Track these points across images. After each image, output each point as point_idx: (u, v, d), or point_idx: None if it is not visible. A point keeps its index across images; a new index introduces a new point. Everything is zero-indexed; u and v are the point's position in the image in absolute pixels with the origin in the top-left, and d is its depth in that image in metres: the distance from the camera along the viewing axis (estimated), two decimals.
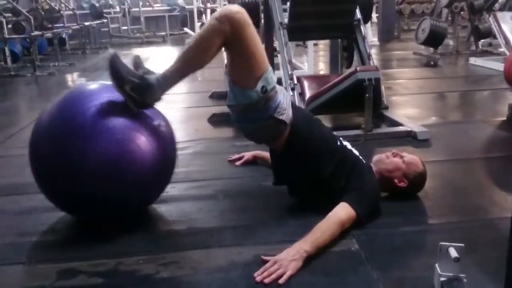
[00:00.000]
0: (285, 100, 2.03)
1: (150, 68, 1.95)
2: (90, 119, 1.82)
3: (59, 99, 1.96)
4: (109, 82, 1.89)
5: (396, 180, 2.07)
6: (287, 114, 2.00)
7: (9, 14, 7.41)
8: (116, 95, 1.88)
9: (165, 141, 2.00)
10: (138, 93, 1.85)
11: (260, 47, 1.94)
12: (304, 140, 2.05)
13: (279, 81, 4.43)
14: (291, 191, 2.17)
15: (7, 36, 6.74)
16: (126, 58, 1.96)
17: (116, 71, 1.84)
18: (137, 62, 1.96)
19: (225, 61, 3.93)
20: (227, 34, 1.83)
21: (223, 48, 1.90)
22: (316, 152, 2.04)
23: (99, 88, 2.00)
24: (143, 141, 1.87)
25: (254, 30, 1.90)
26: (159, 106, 1.99)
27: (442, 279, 1.42)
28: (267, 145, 2.19)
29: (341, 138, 2.19)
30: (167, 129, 2.04)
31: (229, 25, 1.82)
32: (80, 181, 1.80)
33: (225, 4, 8.68)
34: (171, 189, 2.38)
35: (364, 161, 2.13)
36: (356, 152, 2.16)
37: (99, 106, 1.86)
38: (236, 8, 1.87)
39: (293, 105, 2.17)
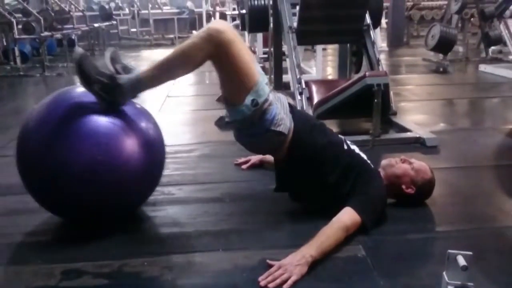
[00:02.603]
0: (282, 110, 2.02)
1: (128, 64, 1.96)
2: (77, 121, 1.83)
3: (47, 100, 1.96)
4: None
5: (404, 186, 2.05)
6: (284, 125, 1.99)
7: (20, 15, 7.47)
8: None
9: (152, 144, 2.00)
10: (108, 93, 1.85)
11: (247, 61, 1.91)
12: (307, 148, 2.03)
13: (287, 85, 4.45)
14: (294, 198, 2.16)
15: (17, 37, 6.79)
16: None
17: (84, 71, 1.85)
18: (114, 56, 1.96)
19: None
20: (211, 53, 1.84)
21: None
22: (321, 158, 2.03)
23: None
24: (130, 143, 1.87)
25: (240, 45, 1.88)
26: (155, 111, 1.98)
27: (450, 287, 1.40)
28: (272, 155, 2.18)
29: (348, 142, 2.17)
30: (155, 132, 2.04)
31: (214, 45, 1.82)
32: (65, 183, 1.81)
33: (234, 8, 8.70)
34: (177, 191, 2.39)
35: (372, 166, 2.11)
36: (364, 156, 2.14)
37: (86, 108, 1.87)
38: (222, 26, 1.86)
39: (294, 111, 2.15)
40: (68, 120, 1.83)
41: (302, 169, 2.04)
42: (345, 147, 2.12)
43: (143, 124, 1.98)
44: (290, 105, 2.16)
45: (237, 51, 1.86)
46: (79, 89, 2.01)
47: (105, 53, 2.00)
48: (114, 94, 1.86)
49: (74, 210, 1.92)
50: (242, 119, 1.95)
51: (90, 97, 1.89)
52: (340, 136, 2.21)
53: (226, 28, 1.86)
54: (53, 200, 1.93)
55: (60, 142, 1.80)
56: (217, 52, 1.84)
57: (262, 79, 1.94)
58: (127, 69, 1.94)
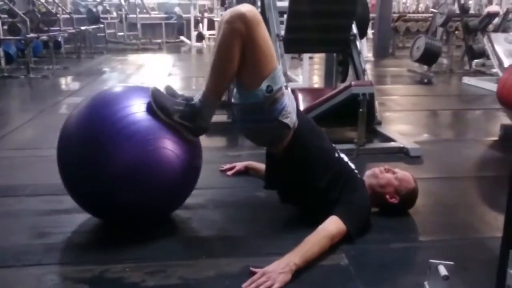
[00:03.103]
0: (291, 104, 2.00)
1: (186, 94, 1.97)
2: (118, 124, 1.81)
3: (87, 101, 1.94)
4: (137, 85, 1.87)
5: (388, 196, 2.07)
6: (291, 118, 1.98)
7: (5, 15, 7.39)
8: (144, 100, 1.88)
9: (191, 148, 1.98)
10: (189, 120, 1.86)
11: (270, 45, 1.92)
12: (304, 148, 2.03)
13: None
14: (283, 198, 2.16)
15: (2, 37, 6.71)
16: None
17: (161, 103, 1.84)
18: (171, 92, 1.97)
19: None
20: (242, 33, 1.81)
21: None
22: (315, 161, 2.03)
23: (127, 91, 1.98)
24: (170, 147, 1.86)
25: (265, 28, 1.89)
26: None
27: None
28: (267, 148, 2.15)
29: (338, 150, 2.18)
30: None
31: (242, 23, 1.80)
32: (106, 185, 1.80)
33: (221, 14, 8.73)
34: None
35: (359, 175, 2.12)
36: (352, 165, 2.15)
37: (128, 111, 1.84)
38: (245, 7, 1.85)
39: (298, 111, 2.14)
40: (108, 122, 1.81)
41: (295, 169, 2.03)
42: (336, 155, 2.13)
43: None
44: (297, 106, 2.16)
45: (263, 32, 1.87)
46: (118, 90, 2.01)
47: (151, 97, 1.94)
48: (195, 119, 1.87)
49: (116, 212, 1.91)
50: (253, 103, 1.92)
51: (129, 99, 1.89)
52: (332, 144, 2.23)
53: (250, 7, 1.85)
54: (94, 202, 1.91)
55: (100, 144, 1.79)
56: (247, 31, 1.81)
57: (279, 68, 1.95)
58: (187, 99, 1.93)
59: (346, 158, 2.17)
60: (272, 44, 1.95)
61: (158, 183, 1.85)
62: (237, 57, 1.86)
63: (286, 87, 2.01)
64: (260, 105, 1.91)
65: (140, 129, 1.82)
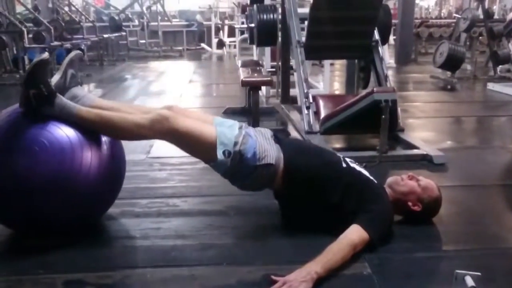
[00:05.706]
0: (263, 141, 2.01)
1: (79, 77, 2.03)
2: (33, 135, 1.83)
3: (2, 116, 1.96)
4: None
5: (410, 204, 2.03)
6: (269, 156, 1.97)
7: (30, 24, 7.54)
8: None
9: (111, 157, 2.01)
10: (37, 101, 1.87)
11: (197, 129, 1.95)
12: (302, 172, 2.01)
13: (294, 99, 4.45)
14: (303, 221, 2.12)
15: (27, 45, 6.85)
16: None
17: (34, 72, 1.88)
18: (74, 60, 2.01)
19: (241, 77, 3.92)
20: (156, 137, 1.97)
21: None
22: (320, 179, 2.00)
23: None
24: (87, 156, 1.88)
25: (185, 122, 1.94)
26: None
27: None
28: (270, 188, 2.12)
29: (348, 160, 2.13)
30: (114, 146, 2.05)
31: (159, 133, 1.92)
32: (23, 198, 1.81)
33: (242, 22, 8.76)
34: (182, 203, 2.37)
35: (376, 182, 2.08)
36: (365, 173, 2.10)
37: (42, 123, 1.87)
38: (166, 114, 1.91)
39: (282, 140, 2.13)
40: (22, 134, 1.84)
41: (302, 194, 2.01)
42: (344, 165, 2.08)
43: (102, 138, 1.99)
44: (276, 135, 2.14)
45: (181, 130, 1.92)
46: None
47: (70, 53, 2.05)
48: (41, 107, 1.88)
49: (25, 222, 1.90)
50: (225, 170, 1.97)
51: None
52: (338, 154, 2.19)
53: (169, 116, 1.90)
54: (5, 213, 1.92)
55: (14, 156, 1.81)
56: (161, 135, 1.93)
57: (220, 130, 1.97)
58: (74, 79, 2.00)
59: (358, 167, 2.11)
60: (199, 123, 2.00)
61: (76, 192, 1.86)
62: (124, 138, 2.08)
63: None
64: (231, 168, 1.95)
65: (58, 140, 1.84)
